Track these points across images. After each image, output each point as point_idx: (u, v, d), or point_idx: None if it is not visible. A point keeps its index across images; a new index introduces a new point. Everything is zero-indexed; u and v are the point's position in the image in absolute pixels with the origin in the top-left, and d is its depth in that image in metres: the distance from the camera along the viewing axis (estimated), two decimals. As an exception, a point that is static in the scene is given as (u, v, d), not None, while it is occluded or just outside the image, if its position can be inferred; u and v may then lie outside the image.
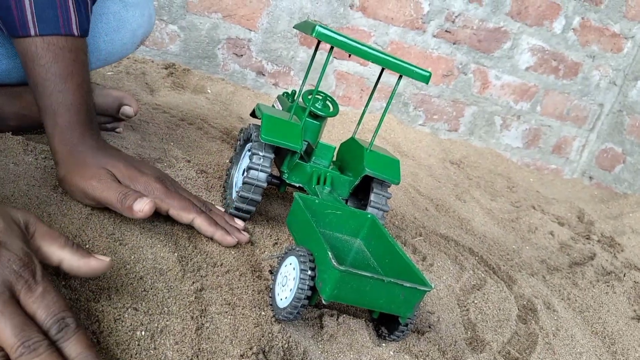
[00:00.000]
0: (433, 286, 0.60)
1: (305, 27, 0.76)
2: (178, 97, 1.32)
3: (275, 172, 0.86)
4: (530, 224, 1.39)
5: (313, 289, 0.58)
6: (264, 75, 1.61)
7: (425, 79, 0.76)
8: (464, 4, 1.71)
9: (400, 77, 0.79)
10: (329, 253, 0.56)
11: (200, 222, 0.67)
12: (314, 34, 0.71)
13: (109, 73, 1.29)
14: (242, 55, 1.57)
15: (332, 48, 0.76)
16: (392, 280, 0.57)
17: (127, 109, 0.90)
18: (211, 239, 0.68)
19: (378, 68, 1.70)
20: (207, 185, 0.86)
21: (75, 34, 0.65)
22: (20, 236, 0.45)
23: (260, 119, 0.79)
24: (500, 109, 1.91)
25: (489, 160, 1.89)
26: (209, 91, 1.45)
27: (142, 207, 0.59)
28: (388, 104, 0.82)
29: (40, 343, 0.40)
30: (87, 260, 0.47)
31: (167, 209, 0.65)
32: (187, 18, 1.48)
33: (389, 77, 1.73)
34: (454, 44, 1.75)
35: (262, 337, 0.56)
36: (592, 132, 2.05)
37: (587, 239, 1.42)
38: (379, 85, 1.73)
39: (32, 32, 0.62)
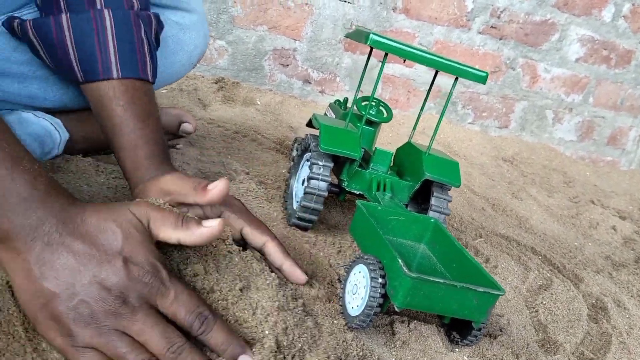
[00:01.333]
0: (505, 290, 0.60)
1: (358, 35, 0.77)
2: (230, 111, 1.35)
3: (334, 181, 0.87)
4: (590, 220, 1.36)
5: (384, 296, 0.59)
6: (310, 83, 1.63)
7: (482, 79, 0.76)
8: (509, -2, 1.68)
9: (456, 79, 0.79)
10: (399, 260, 0.57)
11: (273, 247, 0.63)
12: (368, 43, 0.72)
13: (163, 91, 1.33)
14: (288, 65, 1.59)
15: (386, 55, 0.76)
16: (464, 285, 0.57)
17: (187, 126, 0.93)
18: (278, 269, 0.64)
19: (424, 69, 1.69)
20: (267, 197, 0.87)
21: (150, 80, 0.68)
22: (141, 241, 0.47)
23: (317, 128, 0.81)
24: (551, 102, 1.87)
25: (542, 155, 1.85)
26: (258, 102, 1.48)
27: (216, 184, 0.57)
28: (445, 106, 0.81)
29: (183, 347, 0.45)
30: (199, 232, 0.50)
31: (241, 227, 0.63)
32: (234, 32, 1.51)
33: (438, 78, 1.71)
34: (500, 39, 1.73)
35: (337, 345, 0.57)
36: (650, 121, 1.98)
37: (652, 232, 1.37)
38: (426, 86, 1.72)
39: (115, 75, 0.64)
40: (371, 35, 0.72)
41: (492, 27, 1.70)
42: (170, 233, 0.50)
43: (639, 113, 1.96)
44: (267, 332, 0.52)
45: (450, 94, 0.79)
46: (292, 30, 1.55)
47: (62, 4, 0.66)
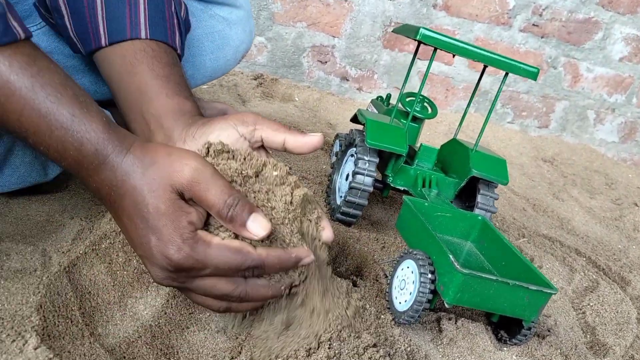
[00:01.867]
0: (557, 289, 0.58)
1: (407, 30, 0.76)
2: (269, 106, 1.36)
3: (378, 176, 0.86)
4: (634, 222, 1.32)
5: (433, 292, 0.58)
6: (348, 80, 1.63)
7: (534, 75, 0.74)
8: (552, -5, 1.65)
9: (506, 75, 0.78)
10: (451, 256, 0.56)
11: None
12: (418, 37, 0.71)
13: (204, 87, 1.34)
14: (326, 62, 1.59)
15: (435, 50, 0.76)
16: (517, 283, 0.56)
17: (230, 120, 0.93)
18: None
19: (462, 67, 1.67)
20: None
21: (177, 49, 0.65)
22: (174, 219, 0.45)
23: (361, 123, 0.80)
24: (593, 102, 1.83)
25: (583, 156, 1.81)
26: (297, 99, 1.48)
27: (314, 135, 0.54)
28: (493, 103, 0.80)
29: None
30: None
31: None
32: (273, 29, 1.52)
33: (475, 75, 1.69)
34: (542, 37, 1.70)
35: (386, 340, 0.57)
36: (696, 123, 1.92)
37: (699, 236, 1.33)
38: (465, 84, 1.70)
39: (143, 35, 0.61)
40: (421, 30, 0.71)
41: (533, 24, 1.67)
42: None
43: (685, 114, 1.91)
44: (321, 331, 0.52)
45: (500, 89, 0.77)
46: (331, 27, 1.55)
47: None
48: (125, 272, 0.56)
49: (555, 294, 0.58)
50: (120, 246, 0.57)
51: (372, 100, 1.02)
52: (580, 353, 0.68)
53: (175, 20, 0.66)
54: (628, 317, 0.81)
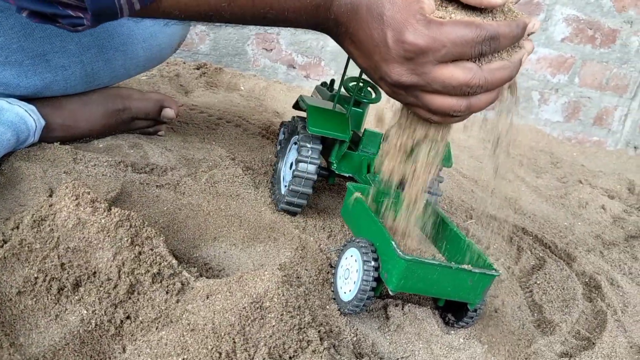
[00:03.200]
0: (500, 271, 0.58)
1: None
2: (213, 97, 1.32)
3: (323, 164, 0.85)
4: (579, 199, 1.35)
5: (377, 280, 0.57)
6: (294, 68, 1.60)
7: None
8: (493, -22, 1.66)
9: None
10: (393, 243, 0.55)
11: None
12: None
13: (143, 77, 1.29)
14: (271, 50, 1.56)
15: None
16: (459, 267, 0.56)
17: (169, 111, 0.90)
18: None
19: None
20: (254, 182, 0.85)
21: None
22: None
23: (304, 110, 0.78)
24: (537, 83, 1.86)
25: (529, 136, 1.84)
26: (242, 88, 1.45)
27: None
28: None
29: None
30: None
31: None
32: (214, 16, 1.47)
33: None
34: (485, 20, 1.71)
35: (331, 331, 0.55)
36: (634, 101, 1.98)
37: (640, 210, 1.37)
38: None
39: None
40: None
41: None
42: None
43: (624, 92, 1.96)
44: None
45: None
46: (274, 13, 1.52)
47: None
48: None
49: (498, 276, 0.57)
50: (44, 248, 0.53)
51: (317, 86, 1.00)
52: (528, 332, 0.68)
53: None
54: (574, 293, 0.82)
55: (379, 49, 0.48)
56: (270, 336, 0.50)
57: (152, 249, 0.56)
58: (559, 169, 1.63)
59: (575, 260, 0.94)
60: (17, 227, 0.54)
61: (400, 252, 0.53)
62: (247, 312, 0.51)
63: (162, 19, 0.52)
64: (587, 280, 0.88)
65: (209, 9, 0.50)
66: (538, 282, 0.81)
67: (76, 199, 0.56)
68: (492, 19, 0.49)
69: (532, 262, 0.89)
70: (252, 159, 0.94)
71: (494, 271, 0.57)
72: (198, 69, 1.44)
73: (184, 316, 0.52)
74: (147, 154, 0.86)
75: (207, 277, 0.59)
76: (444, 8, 0.49)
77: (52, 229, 0.54)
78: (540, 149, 1.77)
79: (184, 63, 1.46)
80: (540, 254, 0.92)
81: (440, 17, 0.47)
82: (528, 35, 0.51)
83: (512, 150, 1.68)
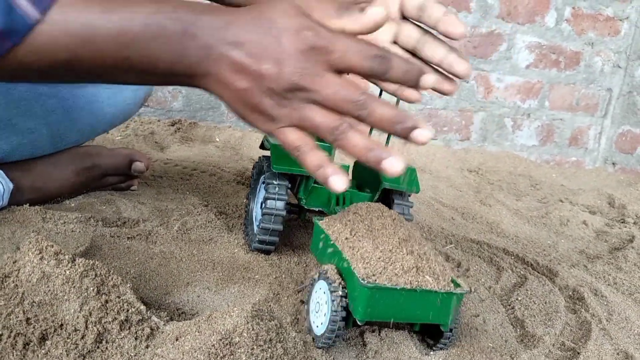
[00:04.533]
0: (468, 289, 0.58)
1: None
2: (188, 150, 1.33)
3: (294, 201, 0.85)
4: (561, 217, 1.36)
5: (347, 310, 0.56)
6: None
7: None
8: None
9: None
10: (355, 271, 0.55)
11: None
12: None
13: (117, 138, 1.31)
14: (244, 101, 1.59)
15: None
16: (424, 289, 0.55)
17: (139, 165, 0.91)
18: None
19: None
20: (228, 226, 0.85)
21: None
22: (301, 14, 0.48)
23: (269, 149, 0.79)
24: (508, 110, 1.90)
25: (507, 163, 1.86)
26: (217, 140, 1.47)
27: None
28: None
29: (366, 100, 0.47)
30: (364, 18, 0.51)
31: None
32: (185, 73, 1.51)
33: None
34: (450, 54, 1.76)
35: (305, 362, 0.54)
36: (606, 118, 2.02)
37: (622, 222, 1.38)
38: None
39: None
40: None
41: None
42: (333, 21, 0.51)
43: (595, 111, 2.00)
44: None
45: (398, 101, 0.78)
46: (244, 65, 1.56)
47: None
48: None
49: (466, 293, 0.57)
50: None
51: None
52: (511, 347, 0.67)
53: None
54: (556, 306, 0.81)
55: (272, 51, 0.46)
56: (241, 370, 0.49)
57: (119, 297, 0.56)
58: (539, 190, 1.64)
59: (558, 275, 0.94)
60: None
61: (361, 280, 0.53)
62: (216, 349, 0.50)
63: (16, 76, 0.49)
64: (570, 293, 0.88)
65: (67, 53, 0.46)
66: (519, 299, 0.81)
67: (39, 252, 0.56)
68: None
69: (513, 280, 0.89)
70: (226, 204, 0.94)
71: (460, 289, 0.57)
72: (172, 125, 1.46)
73: (153, 360, 0.52)
74: (120, 209, 0.86)
75: (178, 321, 0.58)
76: None
77: (17, 285, 0.54)
78: (519, 174, 1.79)
79: (158, 121, 1.48)
80: (522, 272, 0.92)
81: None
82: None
83: (491, 177, 1.69)
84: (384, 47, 0.49)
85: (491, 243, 1.06)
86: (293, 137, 0.50)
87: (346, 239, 0.60)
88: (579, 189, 1.72)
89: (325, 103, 0.48)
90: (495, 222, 1.26)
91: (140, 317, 0.55)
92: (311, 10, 0.50)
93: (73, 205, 0.85)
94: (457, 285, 0.57)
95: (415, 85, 0.50)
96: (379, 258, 0.56)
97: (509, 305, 0.79)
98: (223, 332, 0.52)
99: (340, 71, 0.48)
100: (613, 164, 2.03)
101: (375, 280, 0.54)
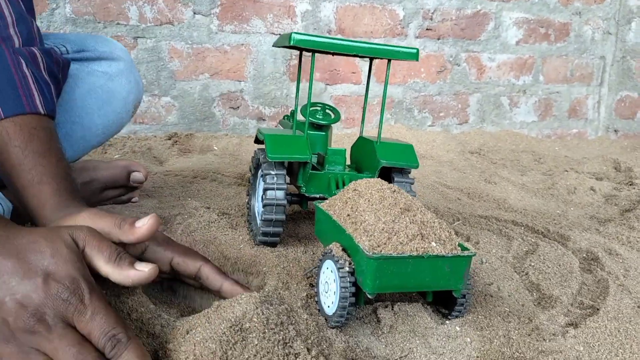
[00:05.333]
0: (475, 251, 0.57)
1: (283, 40, 0.76)
2: (187, 161, 1.33)
3: (295, 191, 0.85)
4: (568, 186, 1.34)
5: (356, 285, 0.56)
6: (264, 120, 1.63)
7: (414, 56, 0.75)
8: (437, -1, 1.72)
9: (389, 62, 0.78)
10: (360, 244, 0.54)
11: (209, 270, 0.59)
12: (292, 42, 0.71)
13: (116, 156, 1.31)
14: (238, 107, 1.59)
15: (313, 54, 0.76)
16: (431, 254, 0.54)
17: (137, 175, 0.90)
18: (217, 292, 0.59)
19: (371, 83, 1.71)
20: (231, 225, 0.84)
21: (41, 112, 0.63)
22: (69, 259, 0.46)
23: (263, 141, 0.79)
24: (503, 89, 1.89)
25: (507, 141, 1.85)
26: (215, 148, 1.46)
27: (144, 221, 0.53)
28: (385, 87, 0.80)
29: None
30: (126, 273, 0.49)
31: (170, 258, 0.59)
32: (177, 86, 1.51)
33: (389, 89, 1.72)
34: (438, 39, 1.76)
35: (320, 342, 0.53)
36: (602, 86, 2.01)
37: (630, 185, 1.36)
38: (378, 98, 1.73)
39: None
40: (293, 35, 0.71)
41: (427, 29, 1.73)
42: (101, 265, 0.49)
43: (590, 81, 1.99)
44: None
45: (387, 76, 0.78)
46: (234, 72, 1.56)
47: None
48: None
49: (474, 256, 0.56)
50: None
51: (281, 120, 1.01)
52: (528, 310, 0.66)
53: (31, 80, 0.64)
54: (571, 267, 0.80)
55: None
56: (255, 355, 0.49)
57: (129, 296, 0.55)
58: (543, 164, 1.63)
59: (570, 240, 0.93)
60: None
61: (367, 252, 0.53)
62: (227, 336, 0.50)
63: None
64: (584, 255, 0.87)
65: None
66: (533, 264, 0.80)
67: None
68: None
69: (524, 248, 0.87)
70: (229, 205, 0.94)
71: (467, 252, 0.56)
72: (169, 139, 1.46)
73: (165, 355, 0.51)
74: (122, 220, 0.85)
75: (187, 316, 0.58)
76: None
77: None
78: (521, 150, 1.78)
79: (155, 136, 1.48)
80: (533, 240, 0.91)
81: None
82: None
83: (493, 156, 1.68)
84: (130, 333, 0.46)
85: (499, 217, 1.05)
86: None
87: (348, 215, 0.59)
88: (583, 158, 1.70)
89: None
90: (502, 198, 1.25)
91: (150, 316, 0.55)
92: (88, 246, 0.49)
93: (75, 221, 0.85)
94: (464, 248, 0.56)
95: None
96: (382, 229, 0.55)
97: (523, 272, 0.78)
98: (233, 320, 0.51)
99: None
100: (615, 131, 2.01)
101: (381, 251, 0.53)
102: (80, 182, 0.86)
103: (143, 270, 0.50)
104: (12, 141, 0.60)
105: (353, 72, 1.68)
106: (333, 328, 0.57)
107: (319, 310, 0.61)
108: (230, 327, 0.51)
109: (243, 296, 0.54)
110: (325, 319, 0.59)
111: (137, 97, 0.91)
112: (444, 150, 1.68)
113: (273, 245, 0.77)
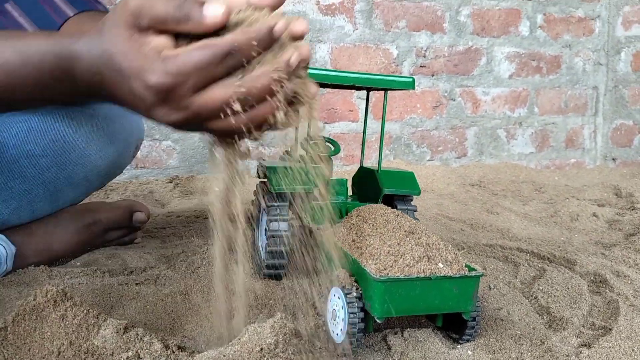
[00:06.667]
0: (483, 271, 0.57)
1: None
2: (188, 202, 1.33)
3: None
4: (570, 213, 1.34)
5: (364, 311, 0.55)
6: (264, 159, 1.64)
7: (411, 85, 0.76)
8: (429, 37, 1.76)
9: (386, 92, 0.80)
10: (366, 268, 0.54)
11: None
12: (290, 76, 0.73)
13: (117, 198, 1.31)
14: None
15: (312, 86, 0.77)
16: (438, 275, 0.54)
17: (139, 215, 0.91)
18: None
19: (369, 120, 1.73)
20: (235, 259, 0.84)
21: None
22: None
23: (265, 175, 0.79)
24: (499, 121, 1.91)
25: (507, 173, 1.86)
26: (217, 189, 1.47)
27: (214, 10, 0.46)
28: (383, 119, 0.82)
29: None
30: (202, 15, 0.45)
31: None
32: (177, 130, 1.53)
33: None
34: (432, 75, 1.79)
35: (330, 370, 0.53)
36: (597, 116, 2.03)
37: (632, 209, 1.36)
38: (376, 135, 1.75)
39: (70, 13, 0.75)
40: (291, 69, 0.73)
41: (421, 66, 1.77)
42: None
43: (585, 111, 2.02)
44: None
45: (385, 106, 0.79)
46: (233, 114, 1.58)
47: None
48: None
49: (482, 275, 0.56)
50: None
51: (280, 156, 1.02)
52: (539, 333, 0.65)
53: None
54: (580, 290, 0.79)
55: (137, 101, 0.46)
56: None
57: (137, 336, 0.54)
58: (544, 193, 1.63)
59: (577, 264, 0.92)
60: None
61: (374, 275, 0.52)
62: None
63: None
64: (592, 277, 0.86)
65: None
66: (541, 288, 0.79)
67: (53, 299, 0.55)
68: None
69: (532, 273, 0.87)
70: (232, 241, 0.93)
71: (475, 272, 0.56)
72: (170, 182, 1.47)
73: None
74: (126, 261, 0.85)
75: (197, 352, 0.57)
76: (184, 43, 0.46)
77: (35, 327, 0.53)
78: (521, 181, 1.78)
79: (157, 180, 1.49)
80: (539, 265, 0.90)
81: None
82: (295, 39, 0.47)
83: (494, 188, 1.68)
84: (226, 39, 0.45)
85: (504, 245, 1.05)
86: (220, 123, 0.46)
87: (353, 241, 0.59)
88: (583, 186, 1.71)
89: (205, 82, 0.45)
90: (506, 228, 1.24)
91: (158, 354, 0.54)
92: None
93: (78, 263, 0.84)
94: (471, 269, 0.56)
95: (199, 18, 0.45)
96: (388, 252, 0.55)
97: (532, 296, 0.77)
98: (244, 353, 0.50)
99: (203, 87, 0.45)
100: (613, 159, 2.03)
101: (388, 273, 0.53)
102: (83, 224, 0.86)
103: (217, 10, 0.44)
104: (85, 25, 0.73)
105: (350, 110, 1.70)
106: (343, 356, 0.56)
107: (328, 339, 0.60)
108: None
109: (250, 328, 0.53)
110: (335, 347, 0.58)
111: (139, 138, 0.92)
112: (444, 183, 1.69)
113: (278, 278, 0.76)
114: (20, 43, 0.52)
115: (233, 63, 0.45)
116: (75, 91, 0.52)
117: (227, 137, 0.50)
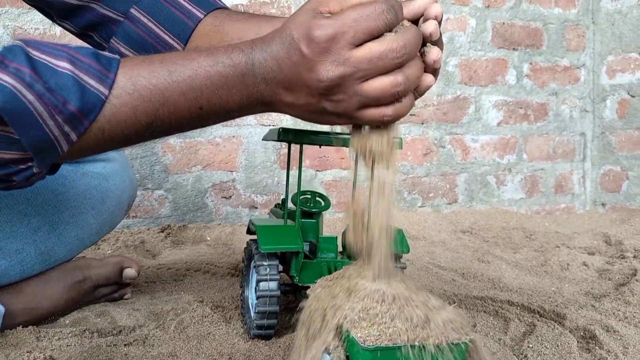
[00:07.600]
0: (472, 337, 0.57)
1: (272, 134, 0.79)
2: (180, 253, 1.33)
3: (288, 281, 0.85)
4: (560, 262, 1.35)
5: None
6: (256, 207, 1.65)
7: (398, 145, 0.78)
8: (418, 86, 1.80)
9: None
10: (352, 335, 0.54)
11: None
12: (280, 137, 0.74)
13: (108, 252, 1.31)
14: (230, 197, 1.61)
15: (301, 146, 0.79)
16: (424, 343, 0.54)
17: (129, 271, 0.91)
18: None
19: (358, 168, 1.74)
20: (225, 318, 0.84)
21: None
22: None
23: (255, 232, 0.80)
24: (489, 168, 1.93)
25: (498, 219, 1.87)
26: (208, 238, 1.47)
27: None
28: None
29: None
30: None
31: None
32: (170, 179, 1.54)
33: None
34: (422, 124, 1.82)
35: None
36: (586, 161, 2.06)
37: (622, 258, 1.37)
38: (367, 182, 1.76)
39: (201, 16, 0.74)
40: (281, 130, 0.74)
41: (411, 115, 1.80)
42: None
43: (573, 157, 2.05)
44: None
45: (373, 163, 0.80)
46: (226, 163, 1.59)
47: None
48: None
49: (468, 341, 0.56)
50: None
51: (271, 209, 1.03)
52: (530, 396, 0.65)
53: None
54: (569, 348, 0.79)
55: (302, 64, 0.49)
56: None
57: None
58: (534, 240, 1.64)
59: (566, 318, 0.92)
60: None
61: (360, 342, 0.52)
62: None
63: (104, 148, 0.54)
64: (581, 333, 0.86)
65: (147, 117, 0.51)
66: (531, 346, 0.79)
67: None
68: None
69: (522, 329, 0.87)
70: (222, 297, 0.93)
71: (465, 338, 0.56)
72: (162, 231, 1.47)
73: None
74: (115, 319, 0.85)
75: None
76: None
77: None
78: (512, 228, 1.79)
79: (148, 230, 1.49)
80: (529, 320, 0.90)
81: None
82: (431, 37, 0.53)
83: (485, 234, 1.69)
84: None
85: (495, 297, 1.05)
86: (372, 112, 0.52)
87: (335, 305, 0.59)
88: (573, 233, 1.72)
89: (370, 75, 0.49)
90: (497, 277, 1.25)
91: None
92: None
93: (67, 321, 0.84)
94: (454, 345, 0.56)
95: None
96: (376, 316, 0.55)
97: (522, 354, 0.77)
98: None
99: (361, 42, 0.49)
100: (602, 204, 2.05)
101: (374, 342, 0.53)
102: (73, 282, 0.86)
103: None
104: (218, 27, 0.74)
105: (342, 158, 1.72)
106: None
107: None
108: None
109: None
110: (323, 415, 0.57)
111: (131, 196, 0.93)
112: (435, 230, 1.69)
113: (268, 338, 0.76)
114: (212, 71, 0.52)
115: (390, 18, 0.49)
116: (247, 93, 0.53)
117: (380, 111, 0.53)
